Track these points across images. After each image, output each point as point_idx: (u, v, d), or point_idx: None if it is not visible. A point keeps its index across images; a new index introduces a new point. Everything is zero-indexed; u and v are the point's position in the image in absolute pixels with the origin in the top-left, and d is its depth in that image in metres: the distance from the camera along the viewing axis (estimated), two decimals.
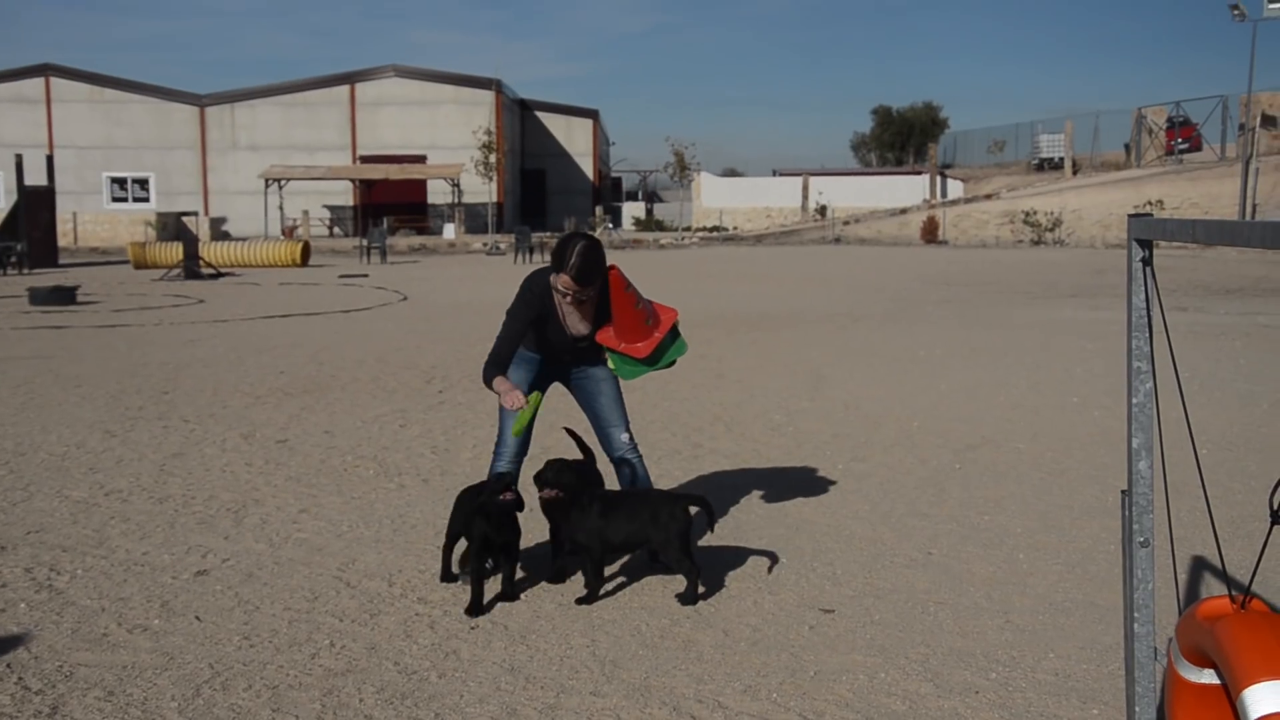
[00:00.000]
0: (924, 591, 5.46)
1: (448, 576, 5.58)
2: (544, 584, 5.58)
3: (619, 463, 5.92)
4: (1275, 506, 2.66)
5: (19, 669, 4.52)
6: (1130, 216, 2.96)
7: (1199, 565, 5.67)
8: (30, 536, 6.33)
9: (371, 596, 5.39)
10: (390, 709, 4.18)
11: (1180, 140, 52.47)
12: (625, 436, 5.89)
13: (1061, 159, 56.14)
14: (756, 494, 7.31)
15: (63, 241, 42.08)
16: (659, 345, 5.66)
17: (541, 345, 5.76)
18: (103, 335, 16.37)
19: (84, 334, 16.51)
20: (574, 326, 5.71)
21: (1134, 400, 2.95)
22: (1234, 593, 2.73)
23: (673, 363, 5.80)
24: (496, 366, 5.54)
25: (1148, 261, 2.91)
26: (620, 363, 5.70)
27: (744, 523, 6.66)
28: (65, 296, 21.56)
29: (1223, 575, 5.36)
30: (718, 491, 7.34)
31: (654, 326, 5.64)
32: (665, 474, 7.79)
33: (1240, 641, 2.52)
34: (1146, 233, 2.88)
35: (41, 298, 21.33)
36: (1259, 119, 45.52)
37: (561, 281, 5.46)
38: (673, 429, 9.34)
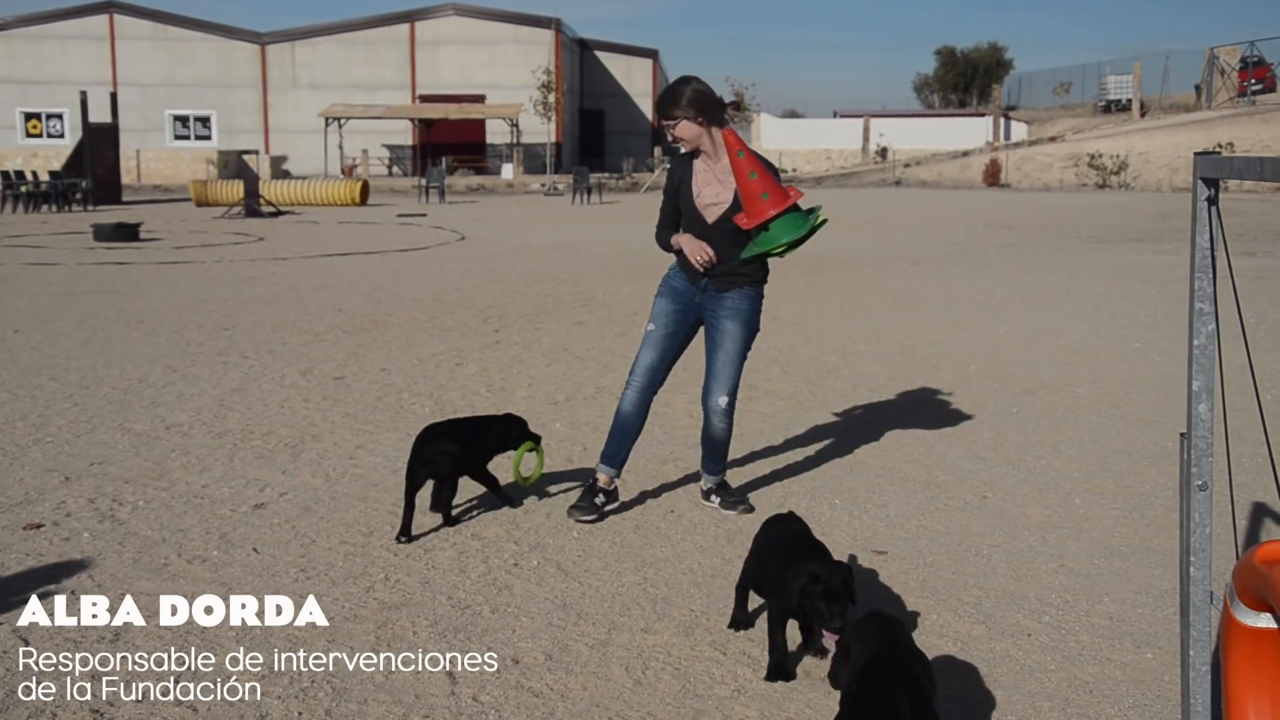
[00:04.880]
0: (978, 534, 5.44)
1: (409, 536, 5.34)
2: (595, 522, 5.60)
3: (706, 418, 5.69)
4: None
5: (82, 596, 4.61)
6: (1196, 155, 2.89)
7: (1259, 510, 5.60)
8: (94, 468, 6.44)
9: (425, 532, 5.44)
10: (444, 642, 4.23)
11: (1254, 81, 51.17)
12: (723, 400, 5.60)
13: (1129, 101, 55.01)
14: (811, 436, 7.29)
15: (126, 179, 42.47)
16: (767, 221, 5.10)
17: (689, 227, 5.57)
18: (164, 272, 16.56)
19: (146, 270, 16.70)
20: (702, 192, 5.51)
21: (1195, 342, 2.90)
22: None
23: (798, 241, 5.16)
24: (666, 229, 5.67)
25: (1213, 201, 2.84)
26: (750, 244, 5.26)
27: (798, 464, 6.65)
28: (128, 233, 21.79)
29: None
30: (772, 433, 7.33)
31: (769, 203, 5.10)
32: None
33: None
34: (1212, 171, 2.82)
35: (105, 234, 21.58)
36: None
37: None
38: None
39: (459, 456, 5.48)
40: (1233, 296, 2.92)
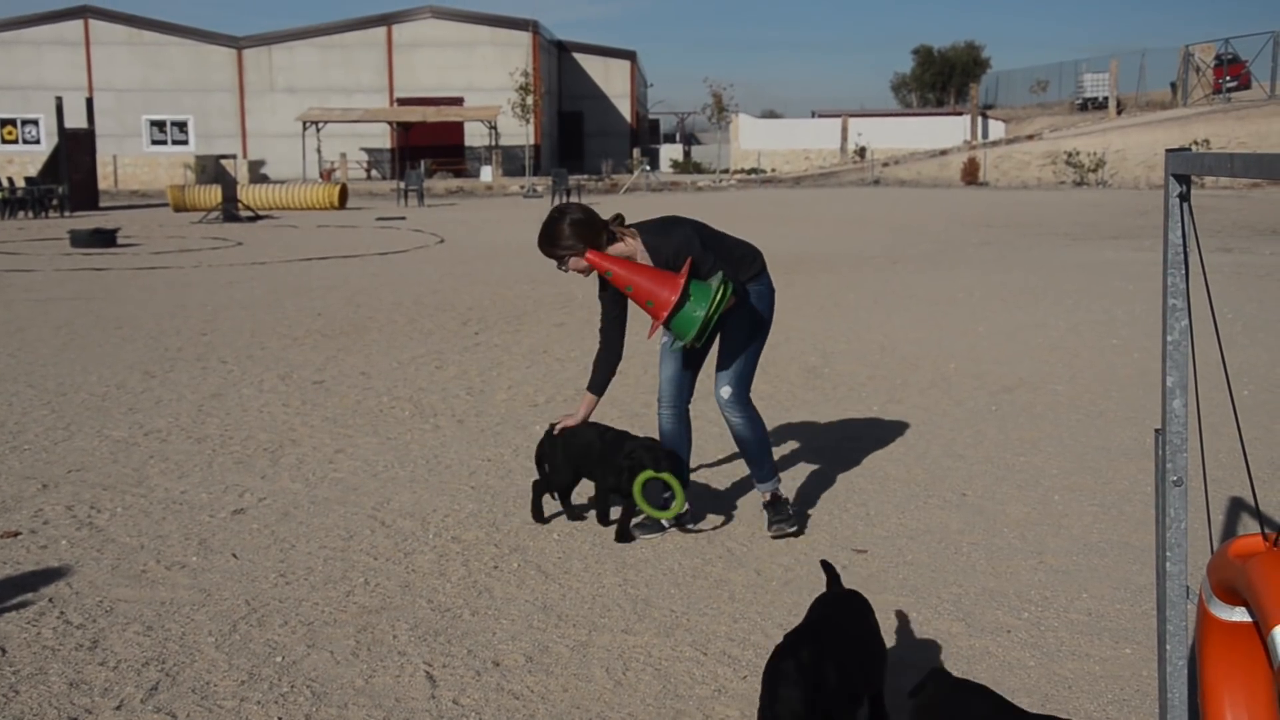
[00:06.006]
0: (957, 532, 5.45)
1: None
2: (576, 524, 5.60)
3: (722, 415, 5.59)
4: None
5: (60, 604, 4.59)
6: (1168, 151, 2.90)
7: (1235, 505, 5.63)
8: (71, 475, 6.41)
9: (405, 535, 5.43)
10: (424, 646, 4.22)
11: (1229, 78, 51.44)
12: (725, 391, 5.50)
13: (1106, 99, 55.24)
14: (791, 435, 7.30)
15: (103, 184, 42.30)
16: (668, 320, 5.10)
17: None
18: (142, 277, 16.48)
19: (124, 276, 16.63)
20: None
21: (1169, 338, 2.91)
22: (1267, 531, 2.70)
23: (714, 311, 5.10)
24: (609, 336, 5.55)
25: (1185, 197, 2.85)
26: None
27: (779, 463, 6.64)
28: (105, 239, 21.69)
29: (1257, 514, 5.32)
30: None
31: (659, 306, 5.07)
32: (699, 415, 7.78)
33: (1272, 579, 2.49)
34: (1184, 167, 2.83)
35: (82, 240, 21.47)
36: None
37: None
38: (708, 369, 9.30)
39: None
40: (1206, 292, 2.93)
